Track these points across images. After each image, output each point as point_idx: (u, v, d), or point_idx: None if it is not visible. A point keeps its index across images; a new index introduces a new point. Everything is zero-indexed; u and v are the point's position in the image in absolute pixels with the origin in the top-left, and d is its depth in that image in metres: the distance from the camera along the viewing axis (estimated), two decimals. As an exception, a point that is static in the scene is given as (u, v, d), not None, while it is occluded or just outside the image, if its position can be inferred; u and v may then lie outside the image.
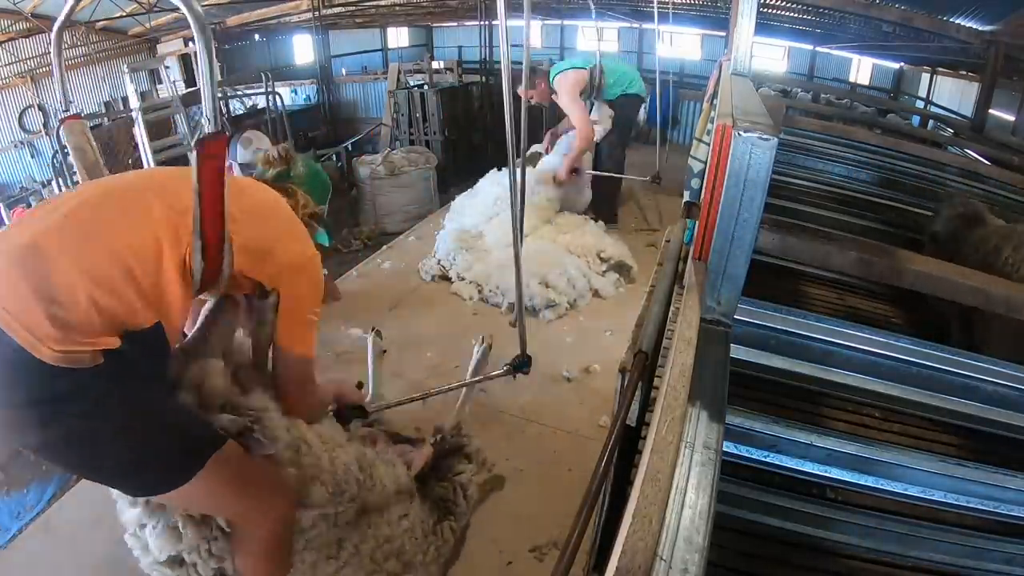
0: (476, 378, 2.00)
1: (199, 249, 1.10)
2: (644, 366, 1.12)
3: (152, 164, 4.78)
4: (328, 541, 1.37)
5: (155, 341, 1.09)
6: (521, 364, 1.88)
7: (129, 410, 1.06)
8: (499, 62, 8.49)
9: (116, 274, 1.02)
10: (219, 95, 1.10)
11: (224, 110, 7.46)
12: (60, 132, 1.60)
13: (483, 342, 2.08)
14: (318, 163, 1.65)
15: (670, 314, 1.33)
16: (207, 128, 1.10)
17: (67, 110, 1.59)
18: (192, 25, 1.07)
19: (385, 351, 2.10)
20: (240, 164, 3.03)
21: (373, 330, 2.19)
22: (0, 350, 0.96)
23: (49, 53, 8.36)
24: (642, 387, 1.14)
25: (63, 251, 1.01)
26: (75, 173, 6.22)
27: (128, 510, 1.23)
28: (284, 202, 1.38)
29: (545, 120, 7.94)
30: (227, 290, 1.27)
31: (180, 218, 1.10)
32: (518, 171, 1.69)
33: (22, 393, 0.98)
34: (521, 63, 1.97)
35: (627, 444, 1.23)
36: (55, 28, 1.57)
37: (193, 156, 1.06)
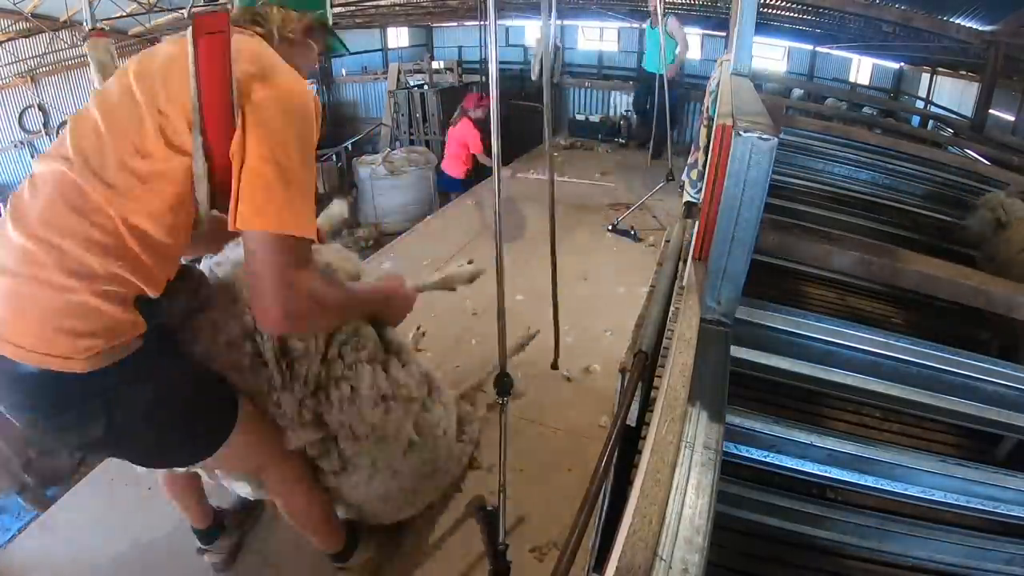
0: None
1: (200, 147, 0.94)
2: (644, 366, 1.13)
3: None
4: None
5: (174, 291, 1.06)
6: (505, 387, 1.72)
7: (174, 381, 1.08)
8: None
9: (102, 259, 0.93)
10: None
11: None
12: (85, 45, 1.58)
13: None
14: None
15: (670, 314, 1.33)
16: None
17: (92, 27, 1.61)
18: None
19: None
20: None
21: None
22: (36, 376, 0.93)
23: (49, 53, 8.33)
24: (642, 387, 1.14)
25: (43, 267, 0.92)
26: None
27: None
28: (262, 45, 1.09)
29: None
30: None
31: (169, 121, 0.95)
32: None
33: (71, 399, 0.97)
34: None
35: (627, 444, 1.23)
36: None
37: (188, 36, 0.91)
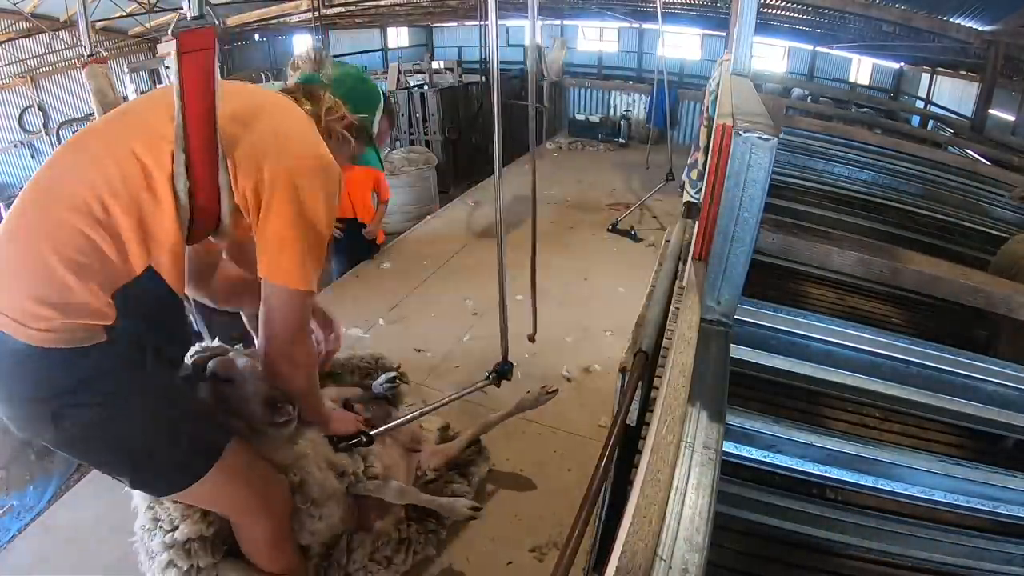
0: (462, 391, 1.96)
1: (182, 163, 0.95)
2: (644, 366, 1.13)
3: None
4: None
5: (154, 296, 0.98)
6: (503, 371, 1.90)
7: (142, 400, 0.99)
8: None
9: (83, 222, 0.92)
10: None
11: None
12: (84, 74, 1.58)
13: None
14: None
15: (670, 314, 1.33)
16: (188, 15, 0.91)
17: (91, 54, 1.60)
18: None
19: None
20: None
21: None
22: (3, 351, 0.90)
23: (49, 53, 8.38)
24: (642, 387, 1.14)
25: (28, 229, 0.93)
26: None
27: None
28: (289, 103, 1.15)
29: (546, 119, 7.92)
30: (239, 231, 1.09)
31: (163, 136, 0.96)
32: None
33: (30, 388, 0.93)
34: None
35: (627, 444, 1.23)
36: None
37: (172, 51, 0.90)
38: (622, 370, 1.17)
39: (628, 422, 1.12)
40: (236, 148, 1.01)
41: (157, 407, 1.02)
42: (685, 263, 1.46)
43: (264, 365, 1.20)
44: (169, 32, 0.89)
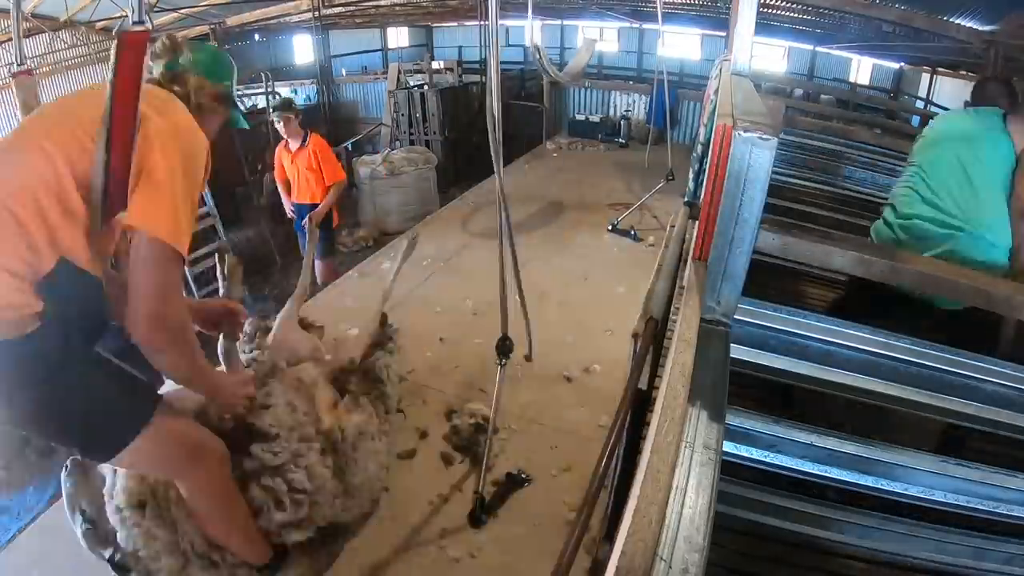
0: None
1: (103, 147, 1.02)
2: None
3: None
4: None
5: (74, 281, 1.08)
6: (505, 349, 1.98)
7: (79, 370, 1.11)
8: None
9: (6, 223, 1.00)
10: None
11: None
12: (13, 87, 1.55)
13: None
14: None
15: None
16: (131, 19, 1.04)
17: (20, 64, 1.55)
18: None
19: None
20: None
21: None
22: None
23: (49, 53, 8.32)
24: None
25: None
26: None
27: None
28: (170, 96, 1.27)
29: (546, 119, 7.92)
30: None
31: (86, 130, 1.07)
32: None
33: None
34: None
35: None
36: None
37: (113, 48, 1.00)
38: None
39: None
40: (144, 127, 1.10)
41: (90, 376, 1.14)
42: (685, 263, 1.46)
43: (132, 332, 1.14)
44: (113, 32, 1.00)
